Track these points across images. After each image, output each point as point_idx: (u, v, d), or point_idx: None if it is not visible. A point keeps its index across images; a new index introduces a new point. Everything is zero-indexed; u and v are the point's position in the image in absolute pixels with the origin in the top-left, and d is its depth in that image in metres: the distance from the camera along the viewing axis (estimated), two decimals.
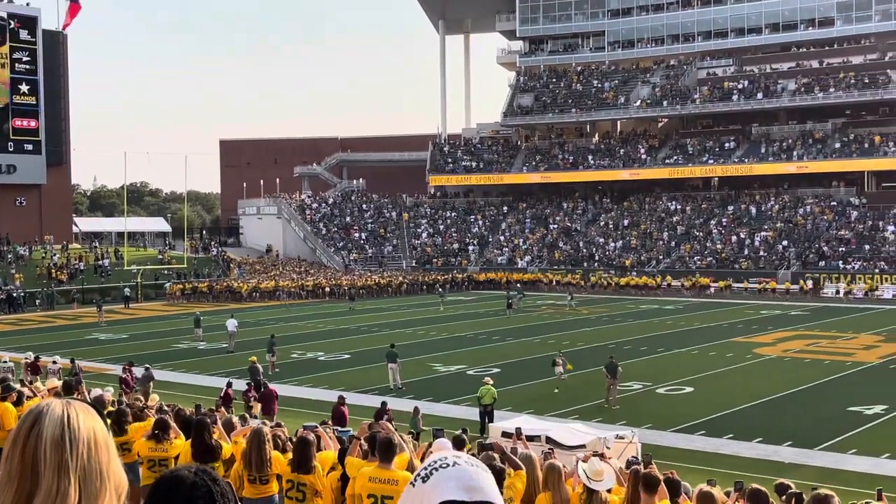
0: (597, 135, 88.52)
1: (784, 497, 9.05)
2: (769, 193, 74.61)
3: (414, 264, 77.56)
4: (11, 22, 71.11)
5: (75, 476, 1.84)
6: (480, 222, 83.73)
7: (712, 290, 61.51)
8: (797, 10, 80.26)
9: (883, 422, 23.06)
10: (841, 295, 57.82)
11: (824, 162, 71.50)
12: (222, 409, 18.46)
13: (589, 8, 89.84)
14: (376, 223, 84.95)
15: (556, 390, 26.93)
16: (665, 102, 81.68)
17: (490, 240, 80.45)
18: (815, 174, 72.35)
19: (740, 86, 79.60)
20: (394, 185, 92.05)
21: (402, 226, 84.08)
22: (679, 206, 77.09)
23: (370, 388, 28.23)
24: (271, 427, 11.32)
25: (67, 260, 68.01)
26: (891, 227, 65.38)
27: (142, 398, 18.90)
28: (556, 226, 79.75)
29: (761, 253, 66.95)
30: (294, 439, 9.74)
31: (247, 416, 16.13)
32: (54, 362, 26.58)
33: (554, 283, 67.05)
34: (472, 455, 9.78)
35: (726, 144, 77.78)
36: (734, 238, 69.88)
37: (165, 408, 14.24)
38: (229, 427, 11.18)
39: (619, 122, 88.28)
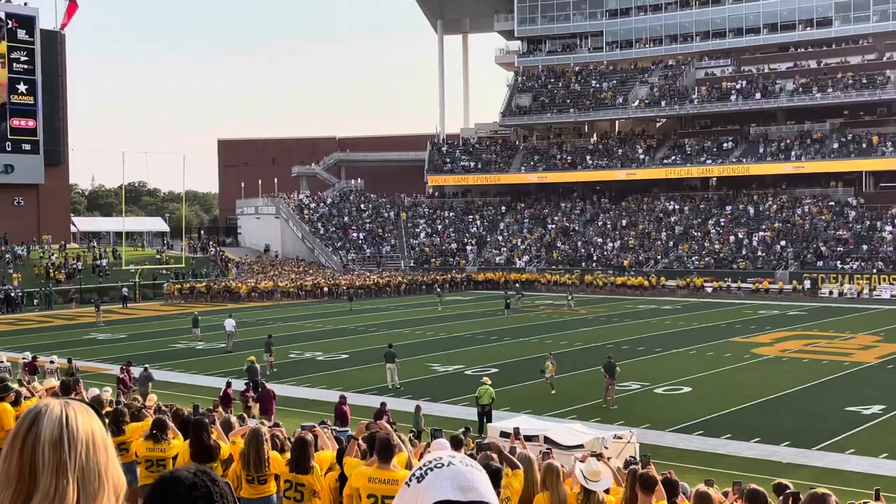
0: (595, 135, 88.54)
1: (782, 497, 9.05)
2: (767, 193, 74.66)
3: (412, 264, 77.57)
4: (9, 22, 71.07)
5: (74, 476, 1.83)
6: (478, 222, 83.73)
7: (709, 289, 61.57)
8: (795, 11, 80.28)
9: (881, 422, 23.09)
10: (835, 295, 57.97)
11: (822, 162, 71.55)
12: (220, 409, 18.46)
13: (587, 8, 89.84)
14: (374, 223, 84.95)
15: (553, 391, 26.93)
16: (663, 102, 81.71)
17: (488, 240, 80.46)
18: (813, 174, 72.39)
19: (738, 86, 79.63)
20: (392, 184, 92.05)
21: (401, 226, 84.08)
22: (677, 207, 77.12)
23: (368, 387, 28.24)
24: (269, 427, 11.32)
25: (65, 260, 67.97)
26: (888, 228, 65.44)
27: (139, 398, 18.91)
28: (554, 226, 79.78)
29: (759, 253, 67.00)
30: (292, 439, 9.75)
31: (245, 415, 16.13)
32: (51, 362, 26.55)
33: (551, 283, 67.17)
34: (471, 455, 9.78)
35: (724, 144, 77.82)
36: (732, 238, 69.92)
37: (163, 408, 14.23)
38: (227, 427, 11.18)
39: (617, 123, 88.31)
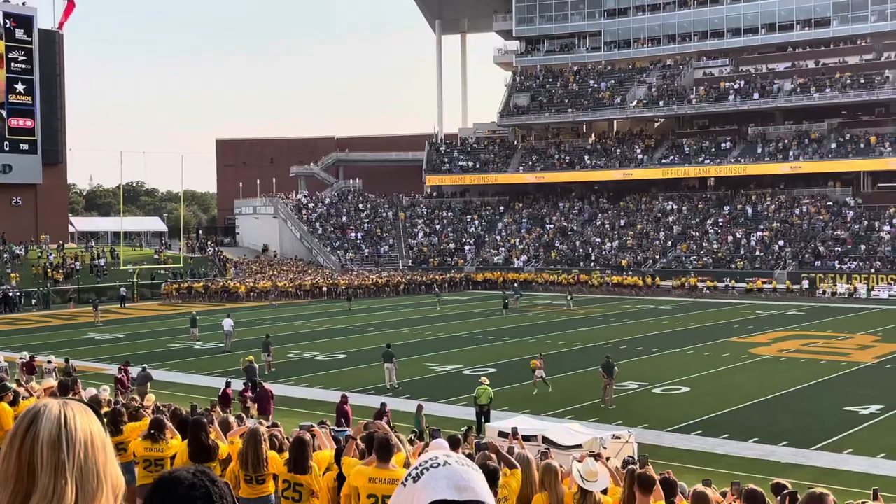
0: (593, 135, 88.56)
1: (780, 497, 9.06)
2: (765, 193, 74.71)
3: (410, 264, 77.57)
4: (7, 21, 71.00)
5: (72, 476, 1.83)
6: (477, 222, 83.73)
7: (704, 289, 61.61)
8: (793, 11, 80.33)
9: (879, 422, 23.10)
10: (829, 295, 58.06)
11: (820, 162, 71.60)
12: (218, 408, 18.45)
13: (585, 8, 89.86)
14: (373, 223, 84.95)
15: (550, 390, 26.93)
16: (661, 102, 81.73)
17: (486, 239, 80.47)
18: (811, 174, 72.45)
19: (736, 86, 79.67)
20: (390, 184, 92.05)
21: (399, 225, 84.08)
22: (675, 206, 77.15)
23: (366, 387, 28.23)
24: (268, 427, 11.33)
25: (63, 260, 67.93)
26: (886, 227, 65.50)
27: (138, 398, 18.89)
28: (552, 225, 79.78)
29: (757, 253, 67.04)
30: (290, 439, 9.75)
31: (243, 415, 16.12)
32: (49, 362, 26.53)
33: (549, 283, 67.21)
34: (469, 454, 9.78)
35: (722, 144, 77.86)
36: (730, 238, 69.96)
37: (162, 408, 14.23)
38: (226, 427, 11.18)
39: (615, 122, 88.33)
